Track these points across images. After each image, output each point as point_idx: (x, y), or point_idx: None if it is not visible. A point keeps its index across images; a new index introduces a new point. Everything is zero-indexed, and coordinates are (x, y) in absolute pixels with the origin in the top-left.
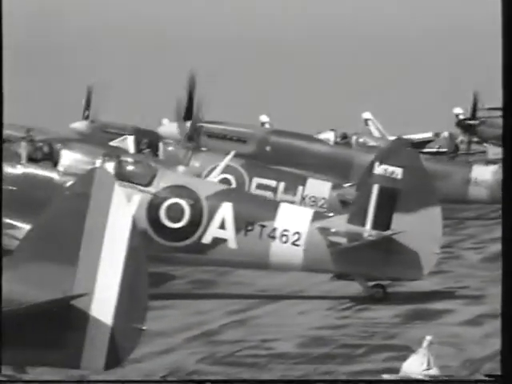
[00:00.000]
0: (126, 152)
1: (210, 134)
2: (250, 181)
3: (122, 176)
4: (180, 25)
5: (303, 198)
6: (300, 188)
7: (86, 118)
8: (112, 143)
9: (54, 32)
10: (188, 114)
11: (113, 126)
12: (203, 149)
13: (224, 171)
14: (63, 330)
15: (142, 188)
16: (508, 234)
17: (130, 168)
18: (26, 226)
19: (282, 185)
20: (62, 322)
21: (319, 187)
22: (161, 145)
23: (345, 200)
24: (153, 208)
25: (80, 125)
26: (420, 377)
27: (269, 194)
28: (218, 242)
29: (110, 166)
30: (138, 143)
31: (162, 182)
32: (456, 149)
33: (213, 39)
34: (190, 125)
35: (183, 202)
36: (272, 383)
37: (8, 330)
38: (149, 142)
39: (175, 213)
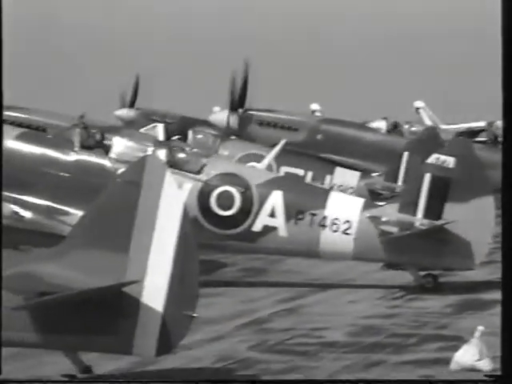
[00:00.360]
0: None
1: (261, 122)
2: (278, 169)
3: (173, 163)
4: (230, 15)
5: (331, 187)
6: (328, 177)
7: (131, 105)
8: (141, 130)
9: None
10: (240, 102)
11: (157, 114)
12: (232, 137)
13: (253, 159)
14: (115, 317)
15: (192, 175)
16: (508, 234)
17: (181, 155)
18: (79, 213)
19: (310, 174)
20: (114, 308)
21: (347, 176)
22: (190, 132)
23: (373, 189)
24: (203, 195)
25: (125, 112)
26: (472, 366)
27: None
28: (268, 229)
29: (162, 154)
30: (167, 130)
31: (212, 170)
32: (494, 138)
33: (263, 27)
34: (241, 113)
35: (234, 190)
36: (272, 383)
37: (59, 315)
38: (180, 129)
39: (226, 200)
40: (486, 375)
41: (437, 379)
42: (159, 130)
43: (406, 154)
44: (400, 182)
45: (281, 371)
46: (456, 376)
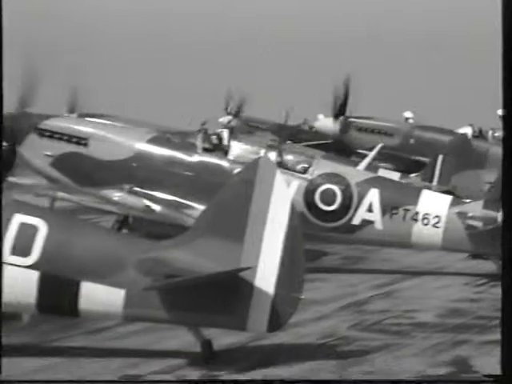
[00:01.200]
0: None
1: (360, 127)
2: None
3: (282, 164)
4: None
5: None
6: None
7: (229, 113)
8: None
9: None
10: (341, 109)
11: (254, 120)
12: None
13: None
14: (232, 298)
15: (299, 175)
16: (508, 234)
17: (289, 157)
18: (201, 207)
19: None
20: (231, 290)
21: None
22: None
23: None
24: (309, 193)
25: (226, 119)
26: None
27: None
28: (365, 223)
29: (273, 156)
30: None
31: (316, 170)
32: None
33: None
34: (341, 120)
35: (336, 188)
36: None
37: (184, 295)
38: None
39: (328, 197)
40: (485, 375)
41: (437, 379)
42: (224, 135)
43: (440, 157)
44: (435, 182)
45: (377, 348)
46: (456, 376)
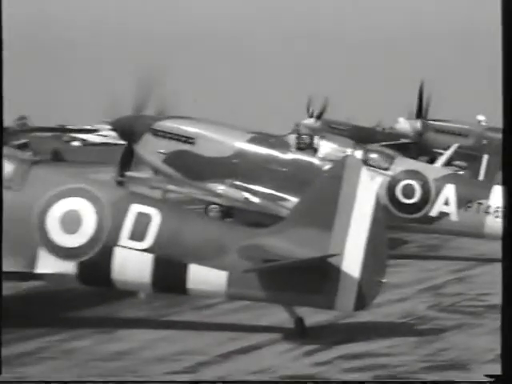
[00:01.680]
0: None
1: (437, 129)
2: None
3: (367, 162)
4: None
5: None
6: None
7: (311, 116)
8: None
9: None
10: (419, 112)
11: (334, 122)
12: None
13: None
14: (322, 280)
15: (382, 172)
16: (508, 233)
17: (373, 156)
18: (294, 199)
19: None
20: (321, 273)
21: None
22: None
23: None
24: (391, 187)
25: (311, 121)
26: None
27: None
28: (442, 215)
29: (359, 154)
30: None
31: (398, 167)
32: None
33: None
34: (420, 122)
35: (415, 183)
36: None
37: (279, 277)
38: (351, 136)
39: (409, 191)
40: (485, 375)
41: (437, 379)
42: (291, 138)
43: (485, 156)
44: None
45: (453, 327)
46: (456, 377)
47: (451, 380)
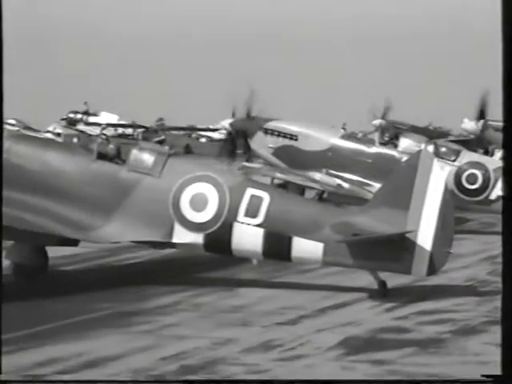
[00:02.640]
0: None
1: (497, 128)
2: None
3: (437, 155)
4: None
5: None
6: None
7: (377, 117)
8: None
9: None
10: (482, 114)
11: (397, 123)
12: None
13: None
14: (400, 251)
15: (450, 163)
16: (508, 234)
17: (443, 149)
18: (377, 185)
19: None
20: (400, 246)
21: None
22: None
23: None
24: (457, 176)
25: (377, 122)
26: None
27: None
28: (499, 198)
29: (430, 148)
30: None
31: (463, 159)
32: None
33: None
34: (482, 122)
35: (478, 172)
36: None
37: (365, 248)
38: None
39: (472, 179)
40: (485, 375)
41: (437, 379)
42: (375, 135)
43: None
44: None
45: None
46: (456, 376)
47: (451, 380)
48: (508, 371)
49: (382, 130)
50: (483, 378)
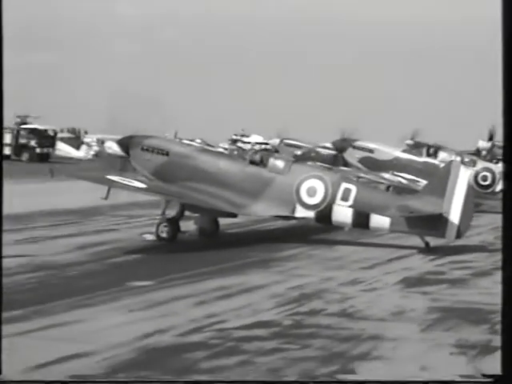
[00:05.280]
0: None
1: (500, 146)
2: None
3: (463, 163)
4: None
5: None
6: None
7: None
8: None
9: None
10: (491, 137)
11: (424, 143)
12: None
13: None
14: (439, 223)
15: (471, 168)
16: (508, 234)
17: (466, 159)
18: (424, 181)
19: None
20: (439, 220)
21: None
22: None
23: None
24: (475, 176)
25: (409, 142)
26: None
27: None
28: (501, 190)
29: (458, 159)
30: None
31: (479, 166)
32: None
33: None
34: (490, 143)
35: (488, 174)
36: None
37: (417, 220)
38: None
39: (485, 178)
40: (485, 375)
41: (437, 379)
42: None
43: None
44: None
45: None
46: (456, 377)
47: (451, 380)
48: (508, 371)
49: (416, 147)
50: (483, 378)
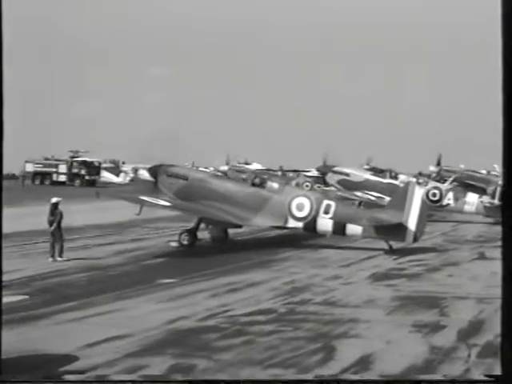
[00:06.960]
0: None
1: (447, 170)
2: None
3: (418, 182)
4: None
5: None
6: None
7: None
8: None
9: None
10: (438, 163)
11: (389, 169)
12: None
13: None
14: (400, 230)
15: (423, 186)
16: (508, 234)
17: (420, 180)
18: (388, 198)
19: None
20: (399, 228)
21: None
22: (401, 175)
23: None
24: (427, 192)
25: (434, 169)
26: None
27: None
28: (447, 204)
29: (414, 180)
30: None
31: (430, 185)
32: None
33: None
34: (438, 168)
35: (437, 191)
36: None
37: (382, 228)
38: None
39: (434, 195)
40: (485, 375)
41: (437, 379)
42: (387, 173)
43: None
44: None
45: (453, 248)
46: (456, 376)
47: (451, 380)
48: (508, 371)
49: (382, 172)
50: (483, 378)
